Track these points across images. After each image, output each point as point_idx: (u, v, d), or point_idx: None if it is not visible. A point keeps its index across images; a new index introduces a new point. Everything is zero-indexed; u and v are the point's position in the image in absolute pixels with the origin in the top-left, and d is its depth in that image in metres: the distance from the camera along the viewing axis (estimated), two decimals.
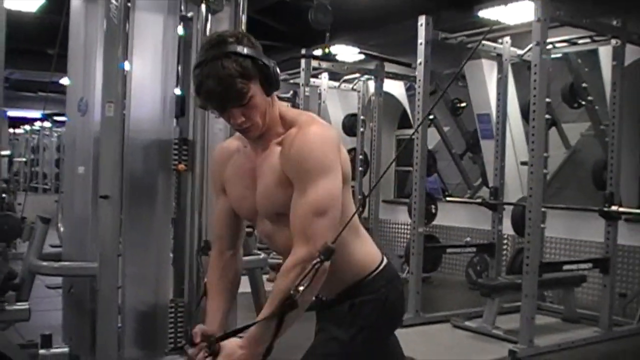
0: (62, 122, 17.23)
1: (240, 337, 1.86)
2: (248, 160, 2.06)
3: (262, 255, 4.48)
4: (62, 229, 4.55)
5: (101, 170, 3.64)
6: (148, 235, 3.77)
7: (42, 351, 3.76)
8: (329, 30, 5.08)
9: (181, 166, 3.73)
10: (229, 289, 2.17)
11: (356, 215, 2.12)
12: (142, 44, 3.78)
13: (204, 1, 3.77)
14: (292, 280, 1.77)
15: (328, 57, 6.67)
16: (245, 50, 1.87)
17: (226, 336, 1.85)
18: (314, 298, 2.02)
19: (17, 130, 19.10)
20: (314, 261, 1.74)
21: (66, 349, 3.90)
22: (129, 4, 3.72)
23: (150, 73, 3.81)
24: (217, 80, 1.83)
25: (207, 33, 3.78)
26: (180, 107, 3.83)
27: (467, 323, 6.15)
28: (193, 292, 3.80)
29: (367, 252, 2.16)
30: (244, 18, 4.09)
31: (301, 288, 1.72)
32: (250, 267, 4.51)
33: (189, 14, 3.95)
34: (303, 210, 1.86)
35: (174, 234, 3.91)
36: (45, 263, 3.86)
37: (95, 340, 3.62)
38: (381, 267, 2.14)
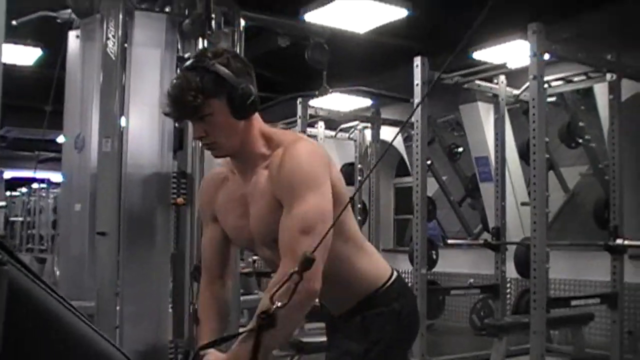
0: (57, 184, 17.21)
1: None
2: (238, 187, 2.00)
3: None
4: (57, 272, 4.46)
5: (98, 206, 3.60)
6: (147, 273, 3.71)
7: None
8: (326, 69, 5.09)
9: (180, 200, 3.69)
10: (219, 316, 2.10)
11: (359, 232, 2.09)
12: (140, 79, 3.79)
13: (201, 35, 3.79)
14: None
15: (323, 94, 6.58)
16: (215, 67, 1.84)
17: (206, 346, 1.82)
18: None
19: (14, 193, 19.06)
20: (291, 271, 1.50)
21: None
22: (126, 44, 3.74)
23: (148, 108, 3.80)
24: (176, 91, 1.84)
25: None
26: (179, 140, 3.80)
27: None
28: (193, 333, 3.71)
29: (375, 266, 2.09)
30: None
31: (279, 303, 1.53)
32: (251, 306, 4.43)
33: (187, 55, 3.97)
34: (290, 226, 1.79)
35: (173, 271, 3.84)
36: None
37: None
38: (391, 280, 2.07)
